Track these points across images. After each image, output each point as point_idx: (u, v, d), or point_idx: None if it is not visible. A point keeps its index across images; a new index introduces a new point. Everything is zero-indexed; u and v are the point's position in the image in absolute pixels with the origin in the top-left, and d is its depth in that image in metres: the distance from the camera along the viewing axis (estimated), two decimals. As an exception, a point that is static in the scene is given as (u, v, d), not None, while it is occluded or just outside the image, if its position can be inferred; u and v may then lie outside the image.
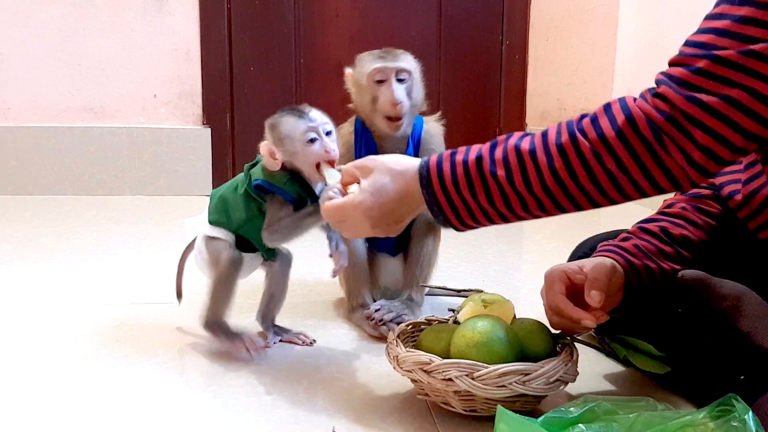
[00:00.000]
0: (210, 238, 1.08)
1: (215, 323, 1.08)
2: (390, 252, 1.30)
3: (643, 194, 0.78)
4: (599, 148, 0.75)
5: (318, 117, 1.02)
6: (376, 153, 1.23)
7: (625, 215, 2.33)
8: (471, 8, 2.77)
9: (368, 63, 1.20)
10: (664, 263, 0.96)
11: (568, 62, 2.80)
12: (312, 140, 1.00)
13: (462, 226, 0.85)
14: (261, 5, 2.68)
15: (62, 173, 2.61)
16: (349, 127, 1.27)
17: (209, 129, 2.66)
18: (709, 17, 0.75)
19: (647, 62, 2.58)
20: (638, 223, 1.03)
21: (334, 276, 1.09)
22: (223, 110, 2.69)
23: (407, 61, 1.20)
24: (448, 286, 1.18)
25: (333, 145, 1.00)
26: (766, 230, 0.89)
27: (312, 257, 1.73)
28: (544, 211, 0.81)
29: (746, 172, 0.94)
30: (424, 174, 0.83)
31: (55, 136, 2.60)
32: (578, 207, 0.79)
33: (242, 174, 1.09)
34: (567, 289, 0.91)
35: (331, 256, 1.07)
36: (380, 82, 1.19)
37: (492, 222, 0.83)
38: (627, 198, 0.78)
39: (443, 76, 2.80)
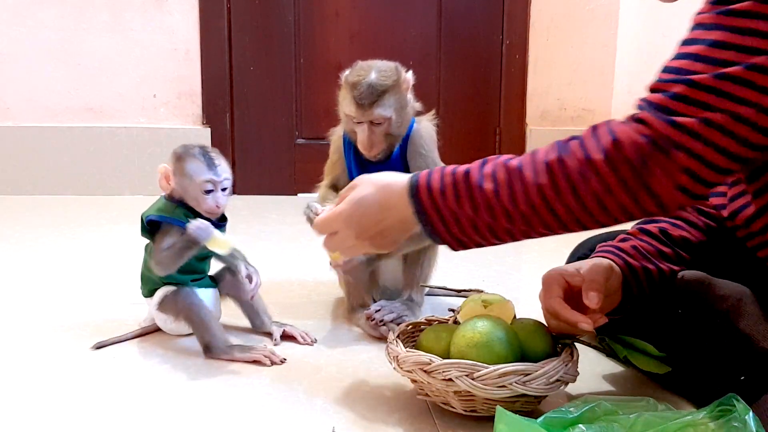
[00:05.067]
0: (160, 304, 1.14)
1: (219, 348, 1.08)
2: (390, 252, 1.30)
3: (631, 217, 0.78)
4: (586, 169, 0.75)
5: (223, 173, 1.09)
6: (364, 157, 1.23)
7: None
8: (471, 8, 2.77)
9: (346, 103, 1.19)
10: (663, 264, 0.96)
11: (568, 62, 2.80)
12: (208, 191, 1.08)
13: (449, 237, 0.84)
14: (261, 5, 2.68)
15: (62, 173, 2.61)
16: (340, 130, 1.27)
17: (209, 129, 2.66)
18: (684, 42, 0.77)
19: (647, 62, 2.58)
20: (637, 224, 1.03)
21: (251, 298, 1.14)
22: (222, 110, 2.69)
23: (384, 107, 1.16)
24: (448, 287, 1.18)
25: (223, 201, 1.09)
26: (755, 240, 0.89)
27: (312, 257, 1.73)
28: (529, 227, 0.80)
29: (731, 189, 0.93)
30: (413, 184, 0.84)
31: (54, 135, 2.60)
32: (564, 226, 0.79)
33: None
34: (564, 291, 0.91)
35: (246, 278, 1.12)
36: (357, 122, 1.18)
37: (480, 235, 0.83)
38: (614, 221, 0.78)
39: (443, 76, 2.79)
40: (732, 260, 0.98)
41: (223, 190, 1.09)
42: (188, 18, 2.61)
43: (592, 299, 0.86)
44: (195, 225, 1.04)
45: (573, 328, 0.88)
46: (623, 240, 1.00)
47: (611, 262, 0.93)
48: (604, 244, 1.00)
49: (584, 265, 0.93)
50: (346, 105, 1.19)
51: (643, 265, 0.95)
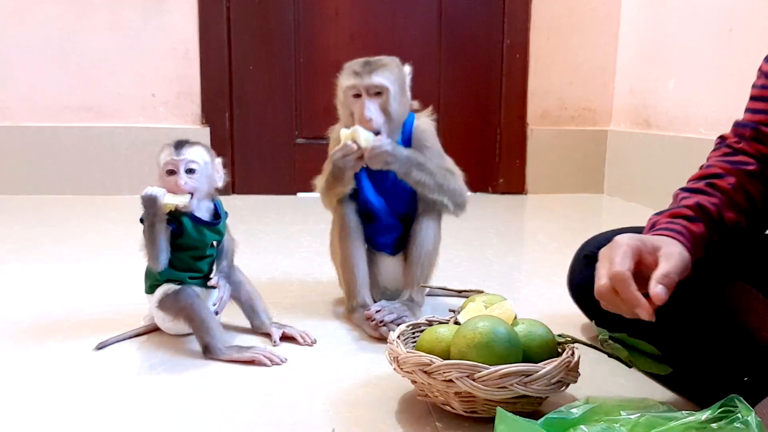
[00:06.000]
0: (160, 302, 1.13)
1: (218, 348, 1.07)
2: (390, 251, 1.30)
3: None
4: None
5: (190, 154, 1.10)
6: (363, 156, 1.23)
7: (627, 215, 2.32)
8: (471, 7, 2.76)
9: (344, 78, 1.22)
10: (708, 252, 0.90)
11: (569, 61, 2.80)
12: (170, 172, 1.10)
13: None
14: (261, 5, 2.67)
15: (61, 173, 2.61)
16: (339, 127, 1.26)
17: (208, 128, 2.66)
18: None
19: (648, 62, 2.58)
20: (692, 194, 0.92)
21: (216, 314, 1.14)
22: (222, 109, 2.68)
23: (383, 76, 1.18)
24: (449, 287, 1.17)
25: (187, 182, 1.09)
26: None
27: (311, 257, 1.73)
28: None
29: None
30: None
31: (53, 135, 2.60)
32: None
33: None
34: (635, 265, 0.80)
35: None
36: (356, 96, 1.20)
37: None
38: None
39: (443, 76, 2.79)
40: (747, 256, 0.95)
41: (189, 172, 1.10)
42: (188, 18, 2.61)
43: (659, 293, 0.77)
44: (146, 190, 1.07)
45: (626, 306, 0.79)
46: (691, 219, 0.88)
47: (689, 257, 0.83)
48: (670, 220, 0.89)
49: (665, 247, 0.81)
50: (344, 79, 1.21)
51: (698, 256, 0.87)
